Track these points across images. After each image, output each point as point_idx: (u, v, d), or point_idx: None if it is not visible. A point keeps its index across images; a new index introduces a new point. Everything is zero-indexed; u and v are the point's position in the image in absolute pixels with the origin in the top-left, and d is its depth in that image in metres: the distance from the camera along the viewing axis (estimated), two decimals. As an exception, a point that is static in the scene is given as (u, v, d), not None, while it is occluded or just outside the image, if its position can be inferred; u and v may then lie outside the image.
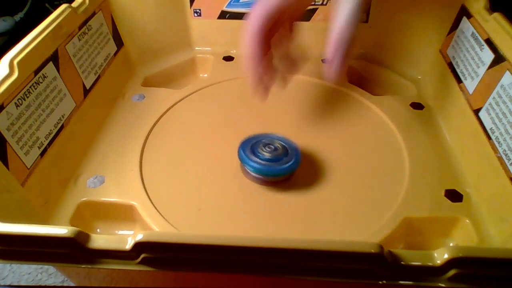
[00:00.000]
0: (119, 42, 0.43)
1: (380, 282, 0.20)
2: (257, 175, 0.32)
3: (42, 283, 0.32)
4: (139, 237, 0.19)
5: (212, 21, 0.47)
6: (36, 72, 0.30)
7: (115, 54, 0.42)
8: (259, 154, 0.32)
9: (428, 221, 0.30)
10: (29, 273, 0.32)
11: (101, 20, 0.40)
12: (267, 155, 0.31)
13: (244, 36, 0.31)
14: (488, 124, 0.31)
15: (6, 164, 0.26)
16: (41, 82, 0.30)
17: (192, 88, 0.43)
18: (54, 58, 0.32)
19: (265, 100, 0.34)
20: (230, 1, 0.45)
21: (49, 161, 0.31)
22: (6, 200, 0.26)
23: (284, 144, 0.32)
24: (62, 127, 0.33)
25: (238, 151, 0.32)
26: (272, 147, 0.32)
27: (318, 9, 0.45)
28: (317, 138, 0.36)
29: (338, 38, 0.29)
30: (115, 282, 0.27)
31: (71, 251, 0.20)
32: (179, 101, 0.41)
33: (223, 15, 0.46)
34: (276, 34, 0.34)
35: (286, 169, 0.31)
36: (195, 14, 0.47)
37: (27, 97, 0.29)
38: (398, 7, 0.44)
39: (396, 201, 0.31)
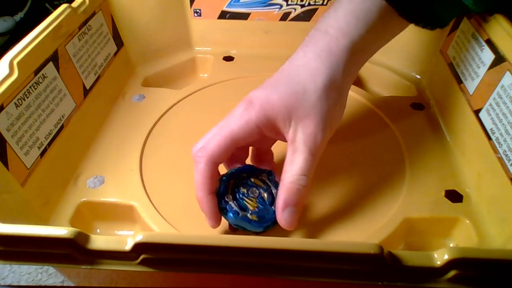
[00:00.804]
0: (119, 42, 0.43)
1: (380, 283, 0.20)
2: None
3: (42, 283, 0.32)
4: (139, 238, 0.19)
5: (212, 21, 0.47)
6: (36, 72, 0.30)
7: (115, 54, 0.42)
8: (242, 204, 0.27)
9: (428, 222, 0.30)
10: (29, 273, 0.32)
11: (101, 20, 0.40)
12: (251, 206, 0.27)
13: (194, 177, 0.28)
14: (488, 125, 0.31)
15: (6, 164, 0.26)
16: (41, 82, 0.30)
17: (192, 88, 0.43)
18: (54, 58, 0.32)
19: (216, 227, 0.28)
20: (230, 1, 0.45)
21: (49, 161, 0.31)
22: (6, 200, 0.26)
23: (271, 189, 0.29)
24: (62, 127, 0.33)
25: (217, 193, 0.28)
26: (257, 193, 0.28)
27: (318, 9, 0.45)
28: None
29: (289, 191, 0.26)
30: (115, 283, 0.27)
31: (71, 252, 0.20)
32: (179, 101, 0.41)
33: (223, 15, 0.46)
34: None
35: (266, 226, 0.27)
36: (195, 14, 0.47)
37: (27, 97, 0.29)
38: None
39: (396, 201, 0.31)
